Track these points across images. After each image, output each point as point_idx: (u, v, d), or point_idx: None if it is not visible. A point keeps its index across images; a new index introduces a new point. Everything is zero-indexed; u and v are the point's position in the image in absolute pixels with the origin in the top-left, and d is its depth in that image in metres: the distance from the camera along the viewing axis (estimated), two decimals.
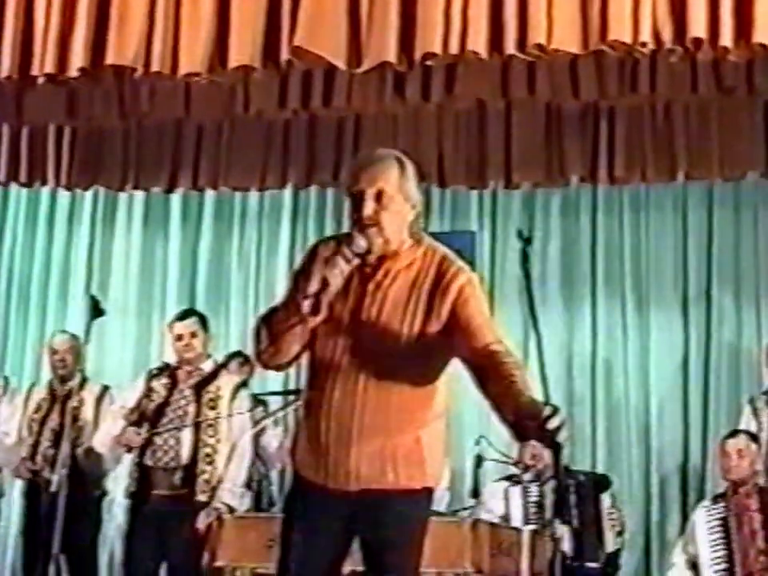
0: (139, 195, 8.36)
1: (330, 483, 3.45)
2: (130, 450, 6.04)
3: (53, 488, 5.99)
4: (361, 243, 3.37)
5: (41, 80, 5.59)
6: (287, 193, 8.24)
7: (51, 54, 5.42)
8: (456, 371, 8.33)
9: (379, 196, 3.40)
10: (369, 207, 3.39)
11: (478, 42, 5.13)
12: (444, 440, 3.64)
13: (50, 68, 5.42)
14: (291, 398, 6.40)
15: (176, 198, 8.39)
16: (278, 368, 3.67)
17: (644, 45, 4.97)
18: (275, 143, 7.43)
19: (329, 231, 8.32)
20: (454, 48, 5.15)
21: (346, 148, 7.26)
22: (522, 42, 5.12)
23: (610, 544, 6.45)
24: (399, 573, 3.47)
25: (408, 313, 3.40)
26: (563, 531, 5.06)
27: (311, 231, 8.35)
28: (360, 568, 3.55)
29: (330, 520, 3.47)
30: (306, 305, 3.33)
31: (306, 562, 3.47)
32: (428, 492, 3.55)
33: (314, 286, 3.32)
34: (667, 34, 4.95)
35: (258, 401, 6.69)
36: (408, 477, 3.46)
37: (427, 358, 3.44)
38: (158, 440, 5.96)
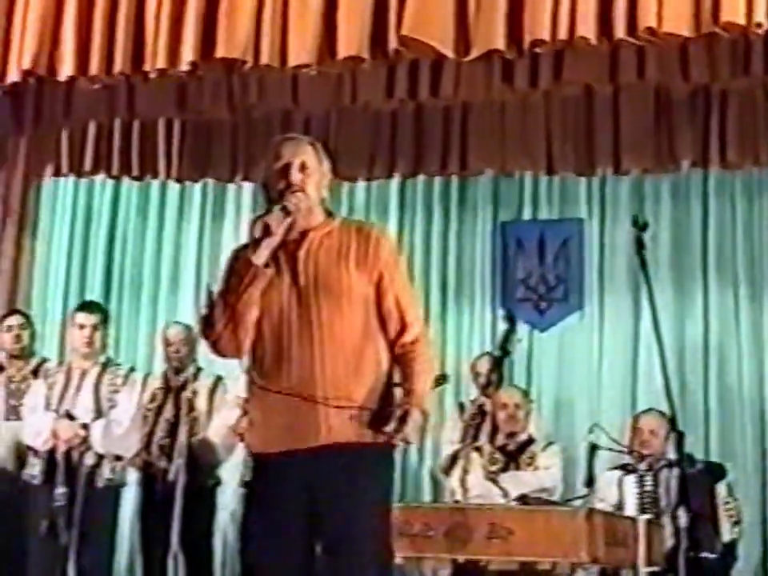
0: (248, 186, 8.40)
1: (299, 444, 3.47)
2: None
3: (170, 476, 6.09)
4: (292, 200, 3.56)
5: (152, 74, 5.67)
6: (394, 183, 8.23)
7: (162, 49, 5.51)
8: (568, 361, 8.17)
9: (303, 166, 3.65)
10: (295, 175, 3.63)
11: (588, 28, 5.09)
12: None
13: (161, 63, 5.51)
14: None
15: None
16: (236, 350, 3.64)
17: (759, 26, 4.87)
18: (382, 133, 7.43)
19: (436, 221, 8.29)
20: (562, 34, 5.12)
21: (454, 137, 7.26)
22: (632, 27, 5.07)
23: (727, 534, 6.34)
24: (356, 546, 3.43)
25: (341, 268, 3.58)
26: (686, 520, 4.97)
27: (418, 221, 8.33)
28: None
29: (292, 487, 3.48)
30: (255, 253, 3.49)
31: (270, 540, 3.49)
32: (392, 449, 3.57)
33: (257, 232, 3.50)
34: None
35: None
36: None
37: (364, 308, 3.59)
38: None
